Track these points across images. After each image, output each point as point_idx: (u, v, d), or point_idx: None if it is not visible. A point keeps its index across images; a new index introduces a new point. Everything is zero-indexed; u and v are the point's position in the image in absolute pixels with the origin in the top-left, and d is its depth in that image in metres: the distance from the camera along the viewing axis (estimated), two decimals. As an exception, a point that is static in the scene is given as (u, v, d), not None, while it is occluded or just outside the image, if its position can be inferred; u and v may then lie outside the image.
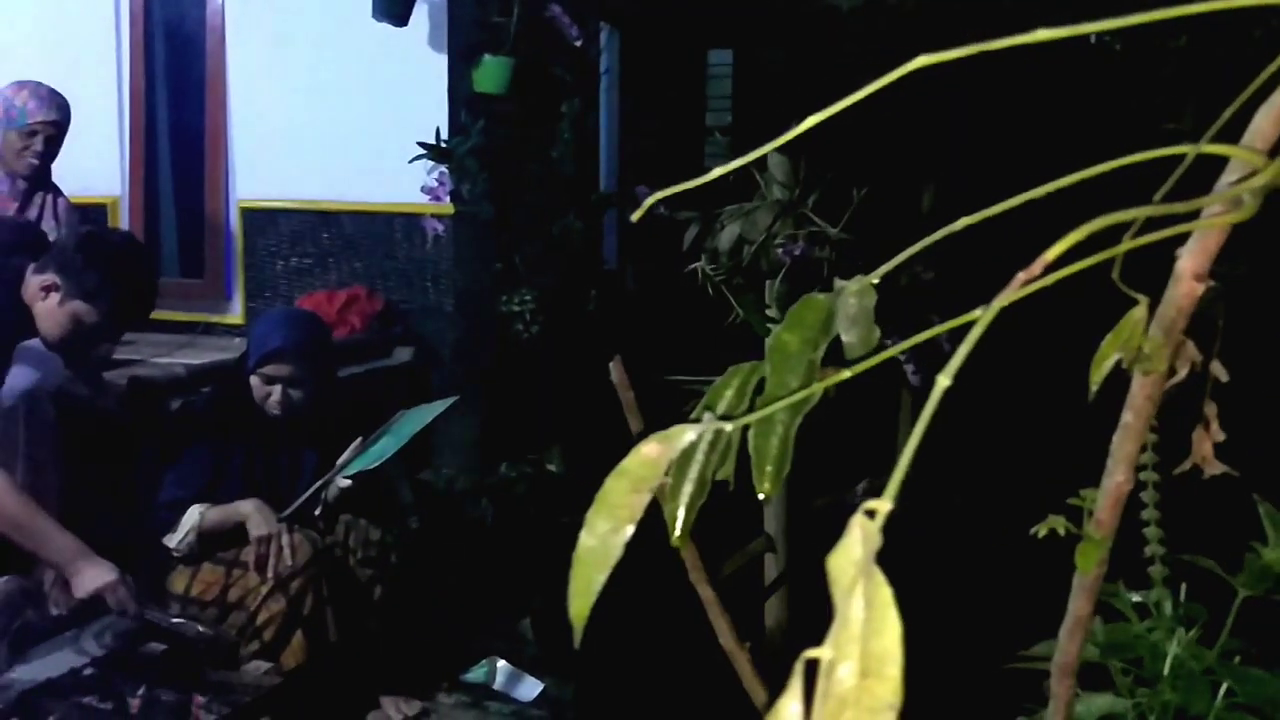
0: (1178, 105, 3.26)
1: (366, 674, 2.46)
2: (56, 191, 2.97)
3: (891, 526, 0.36)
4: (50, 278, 2.25)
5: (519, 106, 3.83)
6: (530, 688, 2.59)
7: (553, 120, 4.03)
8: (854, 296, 0.41)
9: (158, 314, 3.47)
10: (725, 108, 6.30)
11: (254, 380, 2.49)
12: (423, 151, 3.50)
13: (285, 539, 2.34)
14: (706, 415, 0.43)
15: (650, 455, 0.42)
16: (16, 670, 2.11)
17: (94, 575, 2.14)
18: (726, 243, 2.93)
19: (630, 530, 0.41)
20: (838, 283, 0.42)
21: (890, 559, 0.36)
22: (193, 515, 2.40)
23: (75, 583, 2.14)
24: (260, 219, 3.83)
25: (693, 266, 2.86)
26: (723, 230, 2.92)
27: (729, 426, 0.41)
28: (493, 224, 3.76)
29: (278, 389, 2.47)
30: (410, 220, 3.73)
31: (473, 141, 3.58)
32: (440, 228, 3.43)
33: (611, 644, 2.75)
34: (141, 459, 2.57)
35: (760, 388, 0.46)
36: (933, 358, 2.75)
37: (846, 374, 0.39)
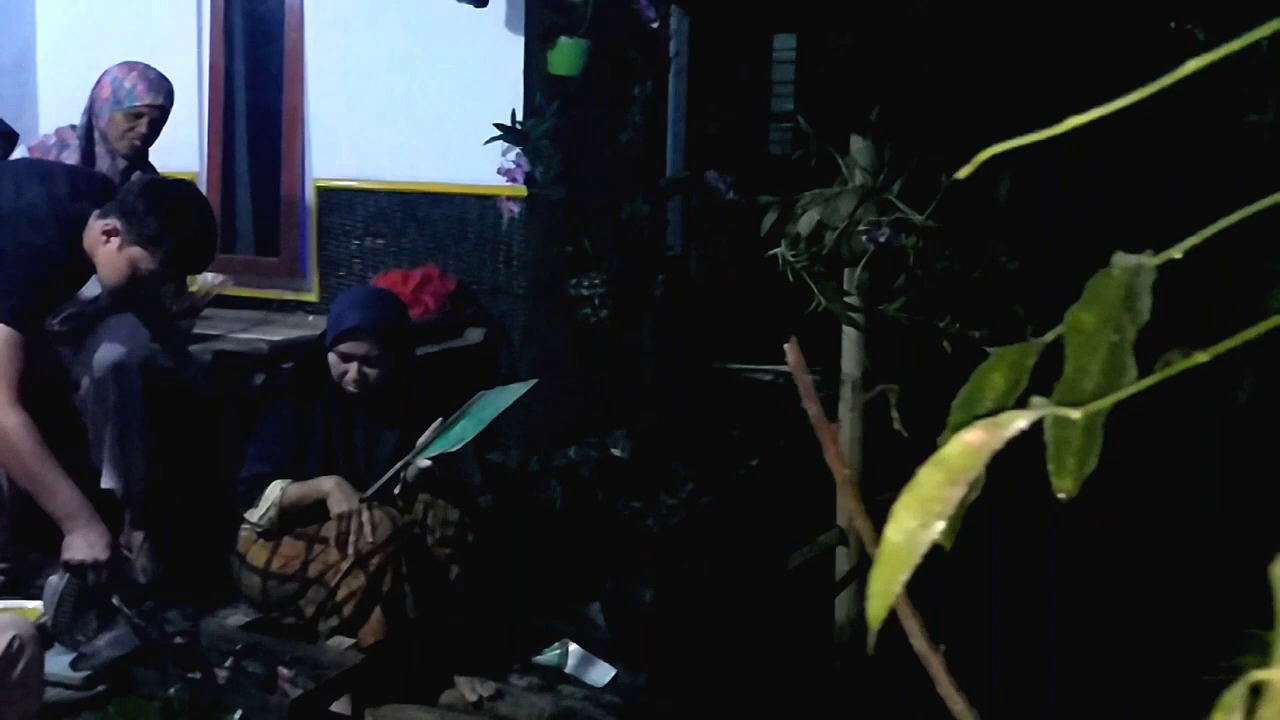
0: (1259, 96, 3.17)
1: (442, 653, 2.47)
2: (153, 172, 3.00)
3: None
4: (111, 222, 2.26)
5: (592, 89, 3.82)
6: (602, 672, 2.58)
7: (624, 103, 4.01)
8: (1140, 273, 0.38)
9: (234, 291, 3.53)
10: (788, 94, 6.24)
11: (332, 358, 2.50)
12: (499, 133, 3.50)
13: (366, 516, 2.35)
14: (1035, 401, 0.39)
15: (973, 443, 0.38)
16: (102, 639, 2.14)
17: (83, 545, 2.11)
18: (805, 228, 2.89)
19: (940, 527, 0.39)
20: (1122, 257, 0.39)
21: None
22: (274, 491, 2.42)
23: (66, 542, 2.13)
24: (335, 198, 3.85)
25: (773, 253, 2.83)
26: (802, 216, 2.88)
27: (1077, 414, 0.36)
28: (564, 207, 3.75)
29: (355, 367, 2.49)
30: (483, 201, 3.73)
31: (548, 124, 3.57)
32: (515, 209, 3.43)
33: (686, 634, 2.75)
34: (224, 432, 2.60)
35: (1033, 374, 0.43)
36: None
37: (1203, 357, 0.36)
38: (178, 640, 2.14)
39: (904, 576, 0.39)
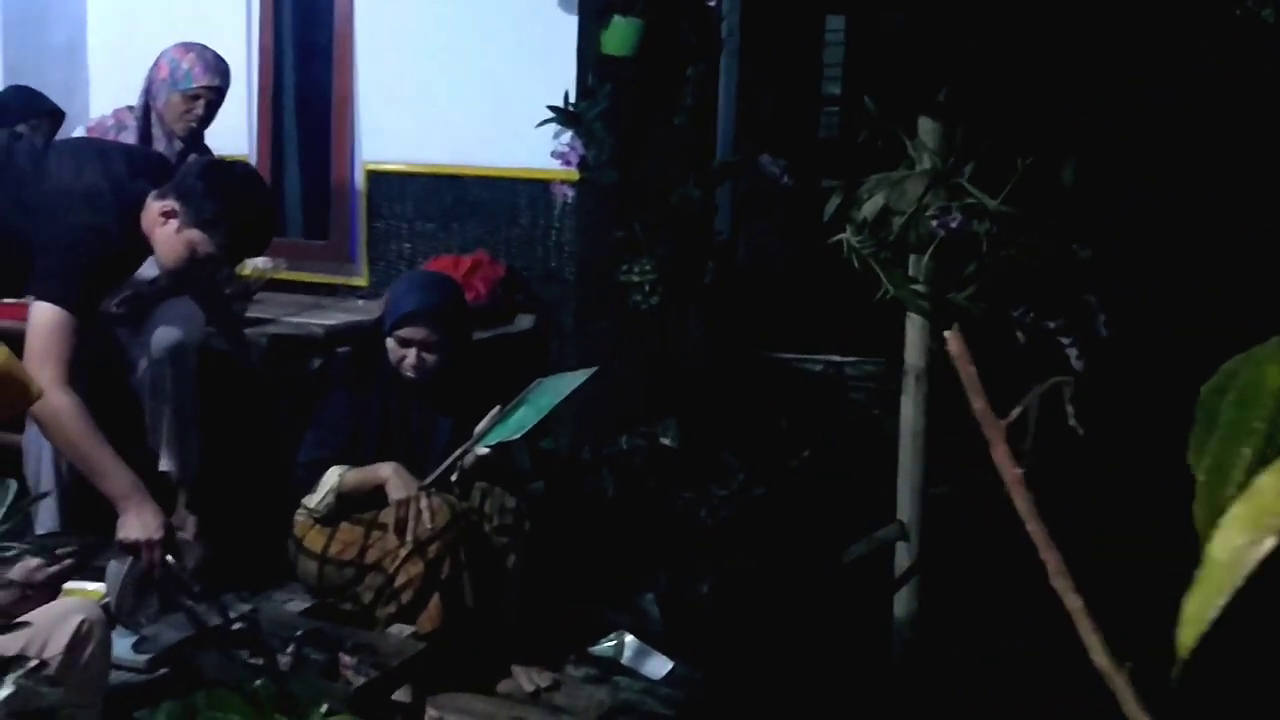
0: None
1: (499, 642, 2.43)
2: (208, 154, 2.98)
3: None
4: (169, 204, 2.24)
5: (645, 70, 3.76)
6: (659, 665, 2.54)
7: (677, 85, 3.95)
8: None
9: (283, 274, 3.51)
10: (837, 75, 6.15)
11: (390, 342, 2.47)
12: (551, 115, 3.45)
13: (425, 502, 2.32)
14: None
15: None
16: (164, 622, 2.12)
17: (137, 525, 2.10)
18: (870, 213, 2.82)
19: (1271, 544, 0.32)
20: None
21: None
22: (332, 476, 2.39)
23: (120, 522, 2.12)
24: (385, 182, 3.82)
25: (837, 238, 2.75)
26: (867, 200, 2.81)
27: None
28: (615, 191, 3.70)
29: (413, 352, 2.45)
30: (534, 185, 3.68)
31: (601, 105, 3.51)
32: (570, 193, 3.37)
33: (743, 628, 2.69)
34: (280, 415, 2.57)
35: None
36: (1093, 340, 2.62)
37: None
38: (237, 625, 2.11)
39: (1224, 599, 0.33)
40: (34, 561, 1.64)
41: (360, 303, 3.68)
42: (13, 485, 1.16)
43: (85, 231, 2.17)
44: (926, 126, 2.86)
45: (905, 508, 2.94)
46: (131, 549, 2.08)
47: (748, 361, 4.41)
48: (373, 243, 3.84)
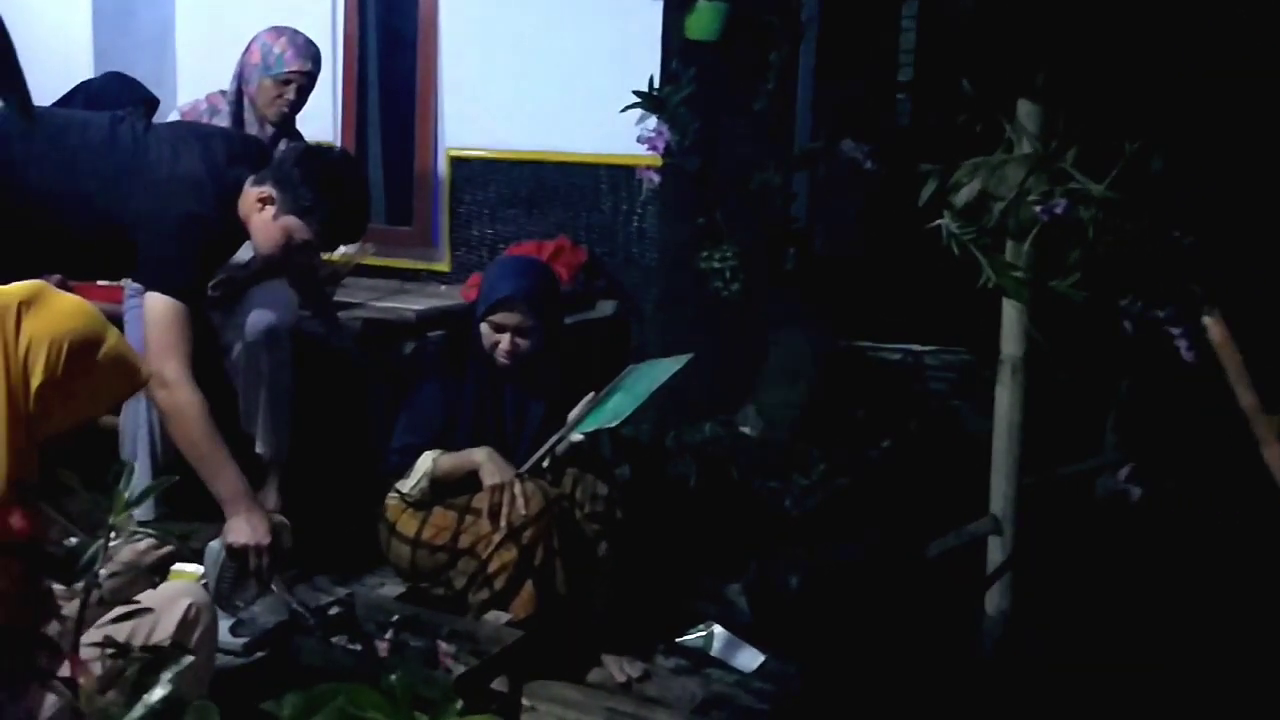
0: None
1: (591, 631, 2.42)
2: (299, 139, 3.00)
3: None
4: (267, 190, 2.24)
5: (728, 55, 3.71)
6: (750, 657, 2.50)
7: (759, 70, 3.89)
8: None
9: (368, 260, 3.52)
10: (909, 61, 6.04)
11: (484, 328, 2.45)
12: (636, 100, 3.41)
13: (518, 488, 2.30)
14: None
15: None
16: (260, 605, 2.13)
17: (245, 529, 2.13)
18: (966, 199, 2.74)
19: None
20: None
21: None
22: (426, 461, 2.39)
23: (228, 526, 2.14)
24: (468, 168, 3.81)
25: (936, 224, 2.68)
26: (965, 185, 2.73)
27: None
28: (698, 177, 3.66)
29: (507, 337, 2.44)
30: (615, 171, 3.66)
31: (685, 90, 3.47)
32: (656, 178, 3.34)
33: (833, 622, 2.64)
34: (375, 399, 2.58)
35: None
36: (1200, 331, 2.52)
37: None
38: (334, 611, 2.12)
39: None
40: (142, 544, 1.64)
41: (443, 288, 3.69)
42: (134, 467, 1.15)
43: (190, 219, 2.18)
44: (1025, 110, 2.77)
45: (998, 501, 2.86)
46: (240, 553, 2.10)
47: (826, 349, 4.34)
48: (455, 228, 3.84)
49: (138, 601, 1.18)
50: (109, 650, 1.12)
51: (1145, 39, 3.00)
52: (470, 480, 2.37)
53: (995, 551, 2.86)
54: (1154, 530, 2.91)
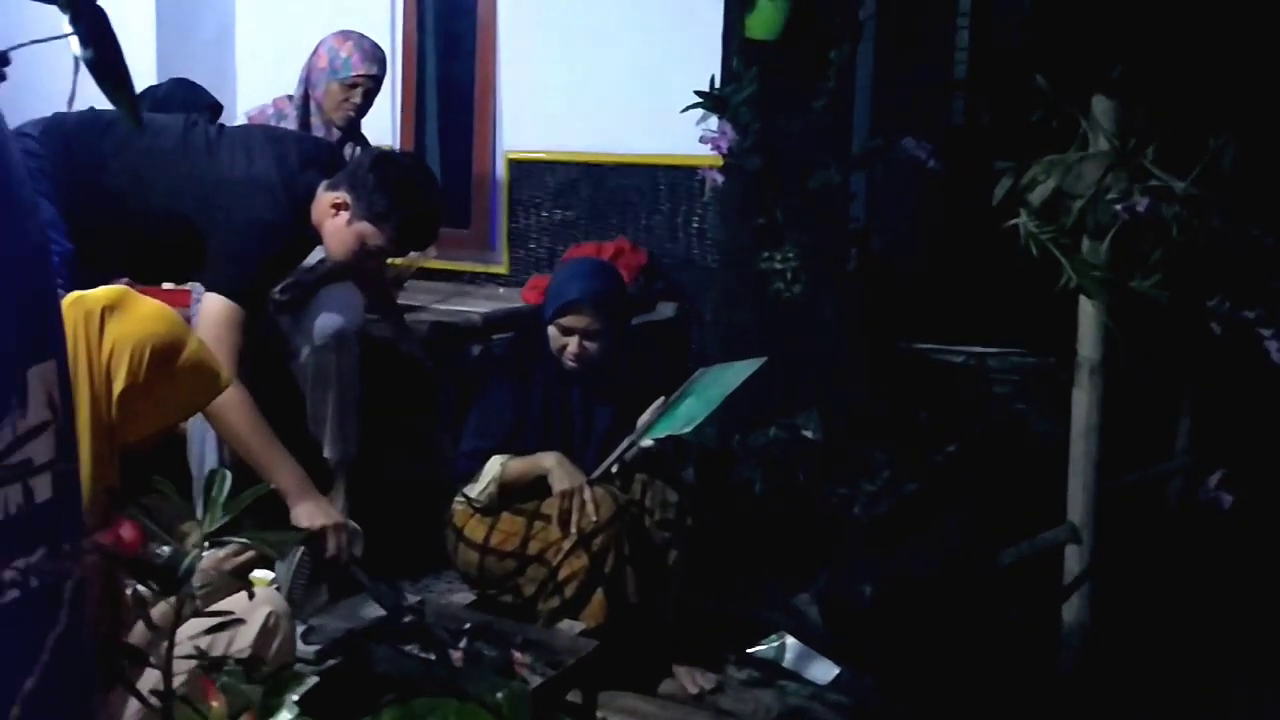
0: None
1: (660, 640, 2.38)
2: (365, 143, 3.00)
3: None
4: (341, 196, 2.24)
5: (789, 54, 3.66)
6: (824, 670, 2.44)
7: (820, 69, 3.83)
8: None
9: (428, 262, 3.51)
10: (963, 60, 5.96)
11: (552, 330, 2.43)
12: (697, 100, 3.37)
13: (588, 494, 2.27)
14: None
15: None
16: (332, 612, 2.11)
17: (314, 512, 2.11)
18: (1040, 198, 2.67)
19: None
20: None
21: None
22: (494, 466, 2.36)
23: (295, 514, 2.12)
24: (526, 170, 3.80)
25: (1013, 223, 2.61)
26: (1041, 183, 2.66)
27: None
28: (758, 177, 3.61)
29: (575, 340, 2.41)
30: (674, 172, 3.62)
31: (748, 90, 3.43)
32: (719, 179, 3.29)
33: (908, 634, 2.58)
34: (442, 402, 2.56)
35: None
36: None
37: None
38: (406, 618, 2.09)
39: None
40: (221, 551, 1.63)
41: (501, 290, 3.68)
42: (228, 475, 1.13)
43: (258, 224, 2.18)
44: (1101, 105, 2.70)
45: (1076, 508, 2.79)
46: (318, 535, 2.08)
47: (886, 352, 4.28)
48: (513, 231, 3.83)
49: (230, 612, 1.15)
50: (200, 662, 1.10)
51: (1225, 29, 2.90)
52: (539, 485, 2.34)
53: (1072, 561, 2.79)
54: (1237, 538, 2.82)
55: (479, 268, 3.84)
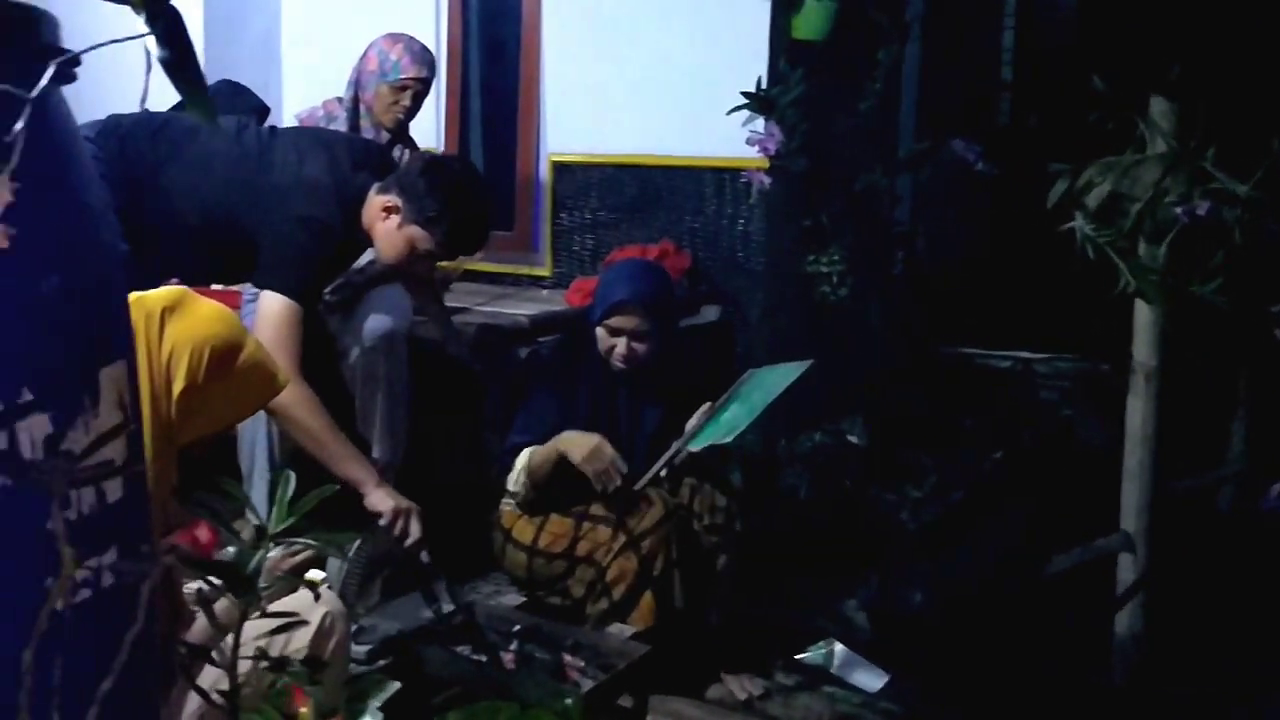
0: None
1: (707, 645, 2.36)
2: (413, 146, 3.01)
3: None
4: (392, 199, 2.25)
5: (835, 55, 3.63)
6: (873, 677, 2.41)
7: (866, 70, 3.80)
8: None
9: (471, 264, 3.51)
10: (1007, 60, 5.89)
11: (600, 332, 2.42)
12: (744, 102, 3.35)
13: (609, 449, 2.26)
14: None
15: None
16: (382, 612, 2.12)
17: (388, 496, 2.15)
18: (1096, 200, 2.63)
19: None
20: None
21: None
22: (523, 457, 2.35)
23: (369, 501, 2.15)
24: (569, 172, 3.79)
25: (1069, 226, 2.57)
26: (1097, 185, 2.61)
27: None
28: (805, 179, 3.58)
29: (623, 341, 2.40)
30: (719, 174, 3.60)
31: (795, 91, 3.40)
32: (766, 181, 3.27)
33: (959, 642, 2.55)
34: (489, 404, 2.55)
35: None
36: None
37: None
38: (457, 620, 2.09)
39: None
40: (276, 552, 1.63)
41: (544, 293, 3.67)
42: (292, 476, 1.12)
43: (312, 223, 2.19)
44: (1160, 107, 2.65)
45: (1130, 517, 2.74)
46: (394, 518, 2.09)
47: (931, 356, 4.23)
48: (556, 233, 3.82)
49: (295, 613, 1.15)
50: (264, 663, 1.10)
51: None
52: (570, 476, 2.31)
53: (1126, 569, 2.74)
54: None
55: (522, 270, 3.84)
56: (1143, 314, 2.66)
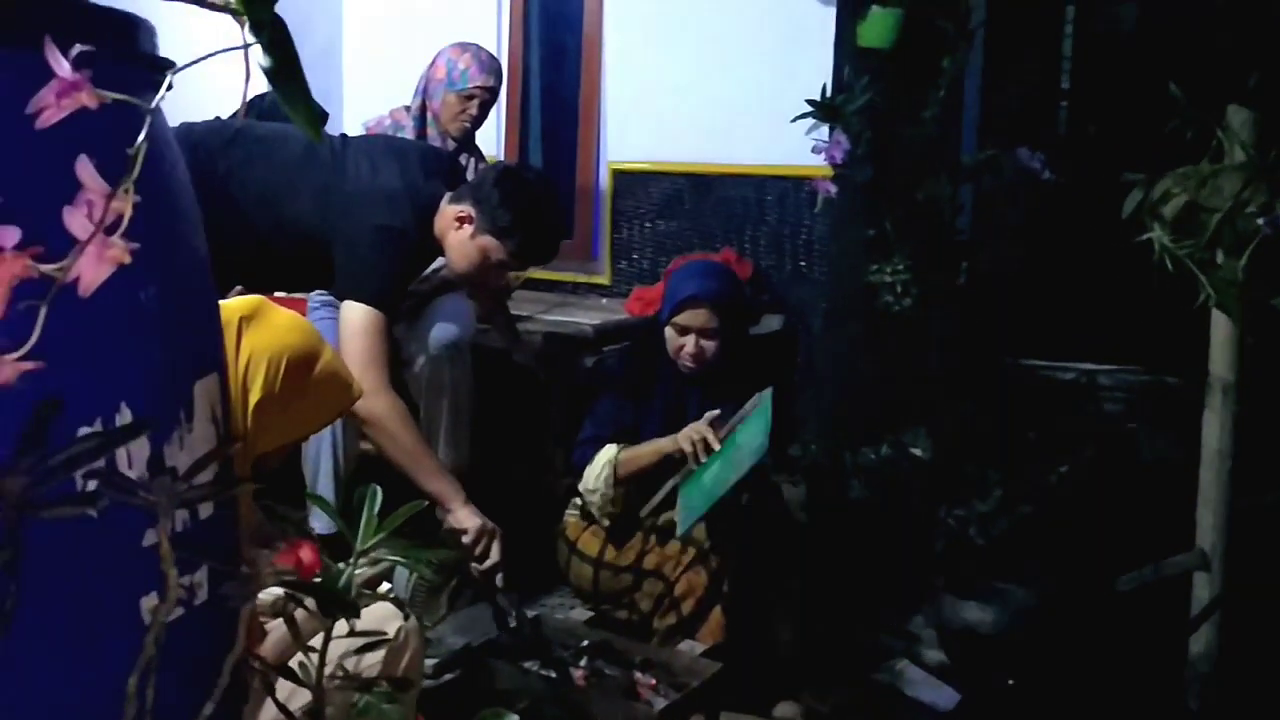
0: None
1: (774, 662, 2.32)
2: (479, 155, 3.00)
3: None
4: (465, 209, 2.24)
5: (900, 62, 3.58)
6: (945, 697, 2.36)
7: (930, 77, 3.75)
8: None
9: (532, 273, 3.50)
10: (1065, 69, 5.80)
11: (669, 331, 2.40)
12: (809, 110, 3.31)
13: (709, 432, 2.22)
14: None
15: None
16: (448, 625, 2.10)
17: (472, 514, 2.14)
18: (1173, 211, 2.56)
19: None
20: None
21: None
22: (608, 451, 2.32)
23: (453, 518, 2.14)
24: (630, 180, 3.77)
25: (1146, 237, 2.50)
26: (1175, 196, 2.55)
27: None
28: (867, 188, 3.54)
29: (692, 339, 2.37)
30: (781, 182, 3.57)
31: (862, 99, 3.36)
32: (833, 189, 3.23)
33: (1032, 661, 2.49)
34: (556, 414, 2.54)
35: None
36: None
37: None
38: (525, 633, 2.07)
39: None
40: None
41: (604, 301, 3.65)
42: (378, 491, 1.11)
43: (390, 232, 2.19)
44: (1239, 115, 2.57)
45: (1206, 534, 2.66)
46: (478, 535, 2.08)
47: (993, 368, 4.16)
48: (616, 241, 3.80)
49: (383, 631, 1.13)
50: (351, 682, 1.08)
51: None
52: (654, 478, 2.28)
53: (1200, 588, 2.66)
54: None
55: (581, 278, 3.82)
56: (1220, 327, 2.59)
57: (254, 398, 1.50)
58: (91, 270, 0.62)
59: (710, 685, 1.90)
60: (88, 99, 0.62)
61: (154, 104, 0.68)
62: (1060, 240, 4.44)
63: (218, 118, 2.36)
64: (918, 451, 3.61)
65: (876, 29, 3.44)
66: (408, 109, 2.99)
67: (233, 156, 2.26)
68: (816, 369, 3.54)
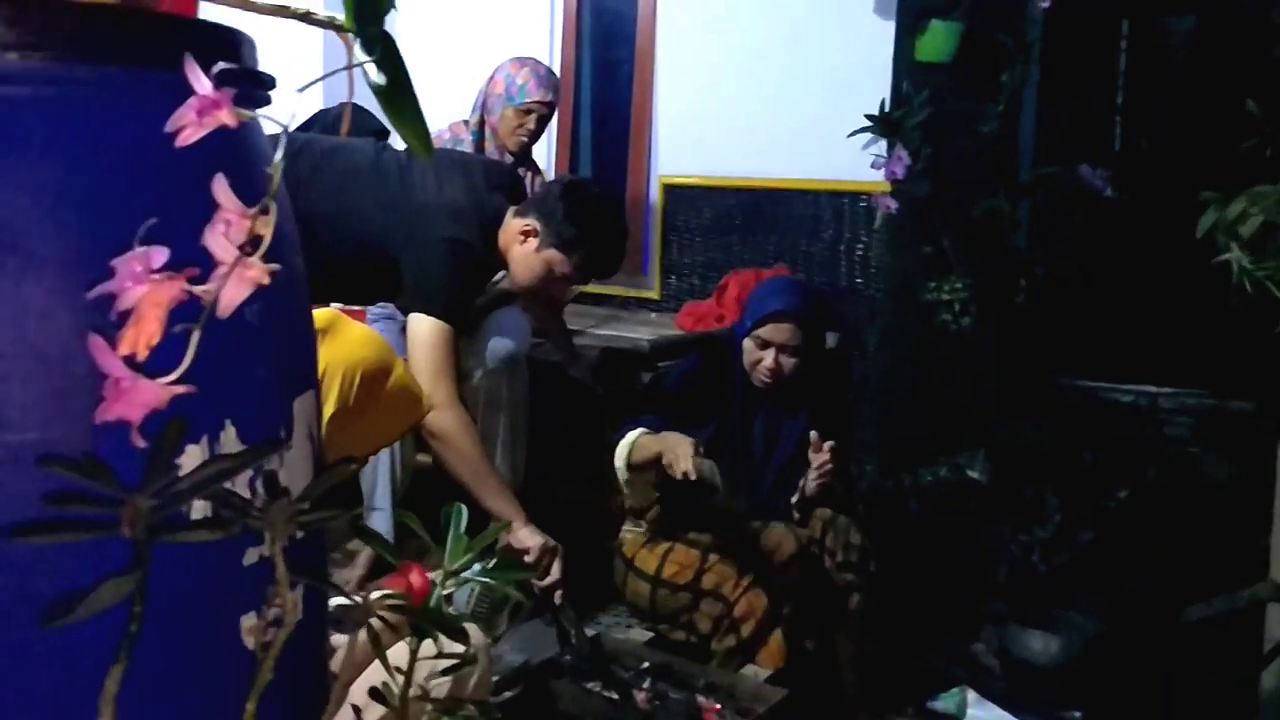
0: None
1: (836, 688, 2.27)
2: (536, 169, 2.99)
3: None
4: (530, 223, 2.23)
5: (959, 77, 3.54)
6: (1007, 724, 2.30)
7: (990, 92, 3.70)
8: None
9: (582, 287, 3.48)
10: (1120, 84, 5.72)
11: (748, 344, 2.37)
12: (867, 124, 3.28)
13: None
14: None
15: None
16: (508, 643, 2.08)
17: (533, 534, 2.12)
18: (1250, 231, 2.49)
19: None
20: None
21: None
22: (632, 434, 2.27)
23: (515, 538, 2.13)
24: (681, 195, 3.75)
25: (1225, 258, 2.44)
26: (1253, 216, 2.49)
27: None
28: (925, 204, 3.49)
29: (771, 354, 2.34)
30: (835, 198, 3.53)
31: (922, 114, 3.32)
32: (893, 205, 3.19)
33: (1100, 694, 2.42)
34: (610, 428, 2.51)
35: None
36: None
37: None
38: (585, 652, 2.04)
39: None
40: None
41: (654, 316, 3.63)
42: (464, 509, 1.08)
43: (457, 245, 2.19)
44: (1318, 133, 2.51)
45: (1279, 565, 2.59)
46: (539, 556, 2.06)
47: (1050, 389, 4.09)
48: (665, 256, 3.78)
49: (469, 650, 1.11)
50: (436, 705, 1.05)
51: None
52: (698, 505, 2.24)
53: (1275, 622, 2.59)
54: None
55: (630, 292, 3.80)
56: (1297, 351, 2.52)
57: (328, 410, 1.49)
58: (232, 291, 0.60)
59: (775, 712, 1.86)
60: (228, 117, 0.60)
61: (288, 123, 0.66)
62: (1118, 259, 4.37)
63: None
64: (974, 474, 3.55)
65: (936, 42, 3.40)
66: (466, 123, 2.99)
67: (300, 169, 2.26)
68: (871, 387, 3.49)
